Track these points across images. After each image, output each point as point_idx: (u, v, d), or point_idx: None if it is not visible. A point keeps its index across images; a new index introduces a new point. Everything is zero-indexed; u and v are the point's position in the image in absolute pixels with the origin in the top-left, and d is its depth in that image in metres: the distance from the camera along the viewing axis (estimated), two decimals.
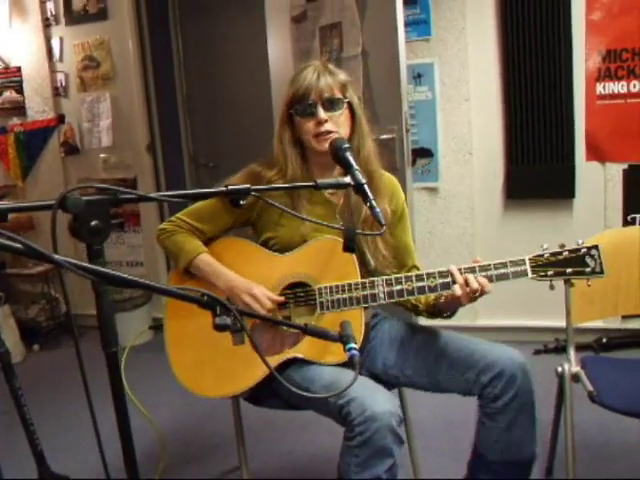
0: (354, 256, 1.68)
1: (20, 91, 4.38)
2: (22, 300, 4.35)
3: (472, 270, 1.62)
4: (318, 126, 1.68)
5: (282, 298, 1.72)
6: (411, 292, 1.66)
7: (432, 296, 1.73)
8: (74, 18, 4.16)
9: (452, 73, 3.43)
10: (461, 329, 3.38)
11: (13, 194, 4.50)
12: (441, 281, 1.64)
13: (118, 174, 4.24)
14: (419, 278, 1.65)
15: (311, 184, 1.33)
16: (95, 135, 4.24)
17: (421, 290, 1.65)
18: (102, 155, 4.25)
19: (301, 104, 1.69)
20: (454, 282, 1.61)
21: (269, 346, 1.71)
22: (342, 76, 1.74)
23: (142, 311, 4.07)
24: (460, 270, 1.62)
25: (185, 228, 1.81)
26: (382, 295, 1.66)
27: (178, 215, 1.84)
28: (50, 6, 4.21)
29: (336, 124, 1.69)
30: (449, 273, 1.63)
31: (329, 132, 1.68)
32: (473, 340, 1.75)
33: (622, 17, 3.12)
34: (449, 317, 1.75)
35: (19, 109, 4.40)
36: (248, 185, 1.19)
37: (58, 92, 4.31)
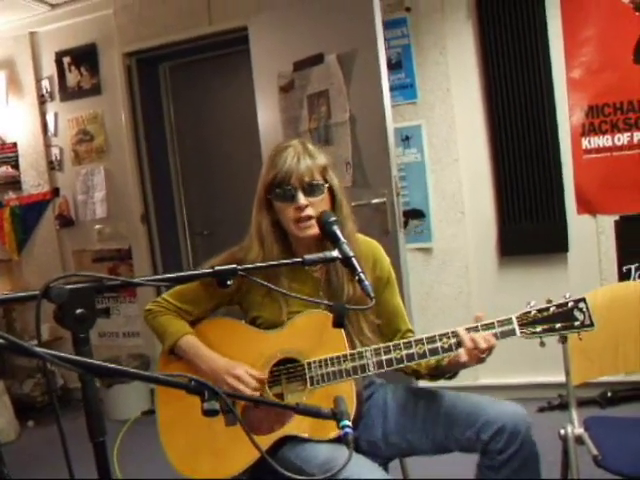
0: (342, 332, 1.66)
1: (16, 166, 4.45)
2: (17, 375, 4.29)
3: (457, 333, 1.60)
4: (298, 212, 1.66)
5: (265, 375, 1.69)
6: (400, 360, 1.64)
7: (433, 360, 1.70)
8: (68, 94, 4.28)
9: (440, 134, 3.49)
10: (462, 389, 3.37)
11: (8, 268, 4.51)
12: (430, 347, 1.62)
13: (113, 245, 4.26)
14: (407, 346, 1.63)
15: (299, 260, 1.33)
16: (90, 207, 4.29)
17: (410, 358, 1.63)
18: (97, 226, 4.29)
19: (280, 189, 1.67)
20: (459, 344, 1.59)
21: (262, 424, 1.67)
22: (322, 159, 1.71)
23: (140, 383, 3.99)
24: (446, 335, 1.61)
25: (171, 309, 1.80)
26: (371, 365, 1.64)
27: (164, 296, 1.83)
28: (45, 84, 4.33)
29: (316, 209, 1.67)
30: (450, 335, 1.61)
31: (309, 218, 1.66)
32: (472, 397, 1.72)
33: (601, 73, 3.20)
34: (451, 378, 1.73)
35: (15, 184, 4.48)
36: (235, 265, 1.19)
37: (53, 166, 4.38)
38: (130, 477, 1.80)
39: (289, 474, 1.14)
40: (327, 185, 1.70)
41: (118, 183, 4.20)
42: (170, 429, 1.77)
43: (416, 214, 3.54)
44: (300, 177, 1.65)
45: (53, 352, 0.94)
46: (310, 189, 1.67)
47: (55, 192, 4.39)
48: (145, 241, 4.23)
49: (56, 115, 4.33)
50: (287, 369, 1.71)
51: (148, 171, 4.25)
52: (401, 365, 1.65)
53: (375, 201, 2.95)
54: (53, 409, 4.06)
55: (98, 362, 0.97)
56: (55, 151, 4.36)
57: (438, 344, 1.61)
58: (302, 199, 1.65)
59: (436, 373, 1.74)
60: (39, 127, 4.34)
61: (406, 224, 3.42)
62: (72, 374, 4.04)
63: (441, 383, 1.82)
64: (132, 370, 1.01)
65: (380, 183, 2.98)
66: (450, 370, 1.70)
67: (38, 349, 0.92)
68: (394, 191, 2.95)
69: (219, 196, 4.35)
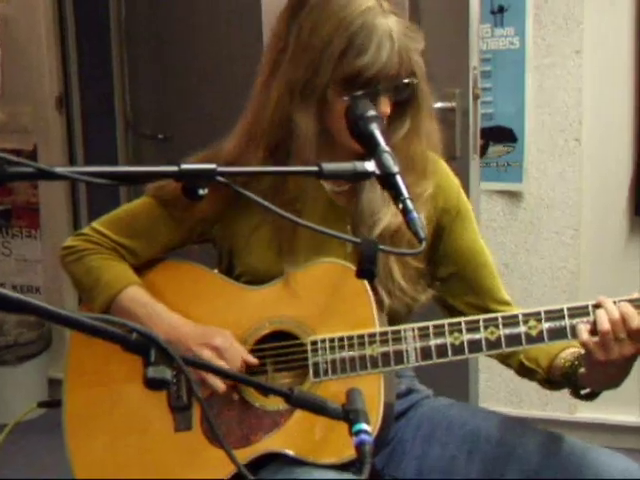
0: (370, 292, 1.69)
1: None
2: None
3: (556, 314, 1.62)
4: None
5: (255, 360, 1.73)
6: (459, 350, 1.66)
7: (564, 359, 1.70)
8: None
9: (555, 8, 3.48)
10: (552, 423, 3.42)
11: None
12: (507, 332, 1.64)
13: (8, 142, 4.29)
14: (471, 327, 1.65)
15: (312, 169, 1.34)
16: None
17: (474, 347, 1.65)
18: None
19: (356, 86, 1.66)
20: (573, 330, 1.60)
21: (233, 433, 1.71)
22: (421, 41, 1.70)
23: (34, 366, 4.10)
24: (537, 315, 1.62)
25: (105, 246, 1.83)
26: (413, 353, 1.67)
27: (94, 225, 1.86)
28: None
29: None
30: (542, 316, 1.62)
31: None
32: (567, 439, 1.73)
33: None
34: (590, 398, 1.73)
35: None
36: (214, 165, 1.22)
37: None
38: None
39: None
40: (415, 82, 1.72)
41: (22, 42, 4.22)
42: (83, 428, 1.81)
43: (502, 135, 3.56)
44: (392, 77, 1.67)
45: None
46: (396, 90, 1.70)
47: None
48: (61, 140, 4.31)
49: None
50: (279, 348, 1.75)
51: (74, 30, 4.30)
52: (459, 357, 1.67)
53: (439, 105, 2.94)
54: None
55: None
56: None
57: (522, 329, 1.63)
58: (385, 106, 1.69)
59: (562, 381, 1.73)
60: None
61: (484, 149, 3.45)
62: None
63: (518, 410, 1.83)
64: (37, 303, 1.02)
65: (449, 78, 2.97)
66: (588, 382, 1.67)
67: None
68: (470, 93, 2.96)
69: (185, 85, 4.33)
